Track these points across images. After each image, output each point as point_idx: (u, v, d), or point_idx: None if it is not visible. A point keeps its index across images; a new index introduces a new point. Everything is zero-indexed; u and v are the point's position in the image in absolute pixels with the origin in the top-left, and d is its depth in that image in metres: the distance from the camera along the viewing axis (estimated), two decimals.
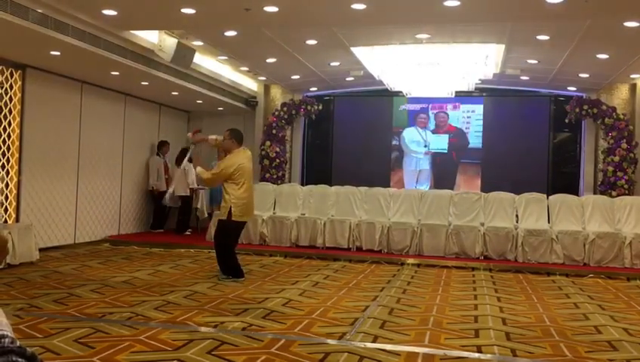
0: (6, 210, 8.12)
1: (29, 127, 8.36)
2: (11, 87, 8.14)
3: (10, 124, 8.16)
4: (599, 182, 10.85)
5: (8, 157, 8.15)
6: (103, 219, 10.17)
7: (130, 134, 10.78)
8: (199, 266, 7.88)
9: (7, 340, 0.77)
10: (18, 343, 0.78)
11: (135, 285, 6.40)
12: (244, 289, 6.39)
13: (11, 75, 8.13)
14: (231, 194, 6.73)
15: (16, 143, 8.24)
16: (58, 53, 7.43)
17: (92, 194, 9.83)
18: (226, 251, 6.92)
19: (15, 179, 8.24)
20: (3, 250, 0.89)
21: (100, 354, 3.89)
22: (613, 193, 10.30)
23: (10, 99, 8.15)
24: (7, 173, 8.13)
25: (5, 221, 7.95)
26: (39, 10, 6.29)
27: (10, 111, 8.15)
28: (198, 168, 7.06)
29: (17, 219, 8.21)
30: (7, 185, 8.14)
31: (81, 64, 8.15)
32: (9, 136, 8.15)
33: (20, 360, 0.76)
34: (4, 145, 8.05)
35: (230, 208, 6.73)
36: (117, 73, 8.66)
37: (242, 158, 6.91)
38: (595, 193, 10.60)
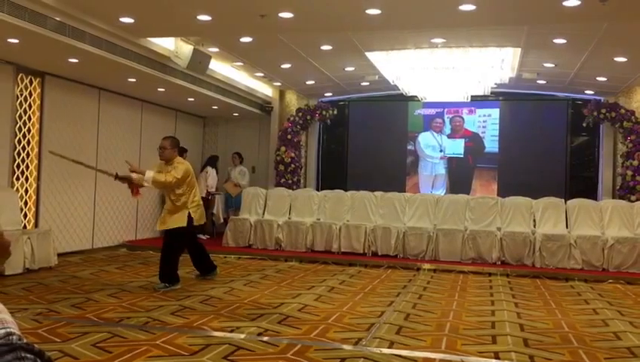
0: (25, 215, 8.22)
1: (47, 133, 8.47)
2: (30, 94, 8.26)
3: (29, 130, 8.27)
4: (618, 187, 10.72)
5: (27, 164, 8.25)
6: (120, 224, 10.25)
7: (147, 140, 10.86)
8: None
9: (14, 337, 0.78)
10: (25, 340, 0.79)
11: (152, 290, 6.44)
12: (260, 294, 6.40)
13: (30, 82, 8.24)
14: (189, 200, 6.59)
15: (36, 150, 8.35)
16: (76, 60, 7.53)
17: (109, 200, 9.92)
18: (176, 257, 6.69)
19: (34, 185, 8.34)
20: (6, 251, 0.90)
21: (118, 358, 3.92)
22: (633, 197, 10.17)
23: (30, 106, 8.26)
24: (27, 179, 8.24)
25: (24, 226, 8.05)
26: (57, 18, 6.37)
27: (29, 118, 8.26)
28: (150, 173, 6.44)
29: (36, 225, 8.31)
30: (26, 191, 8.24)
31: (99, 71, 8.24)
32: (28, 143, 8.26)
33: (28, 355, 0.77)
34: (23, 152, 8.16)
35: (189, 213, 6.58)
36: (134, 80, 8.75)
37: (189, 165, 6.77)
38: (613, 197, 10.48)
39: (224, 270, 7.86)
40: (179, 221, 6.59)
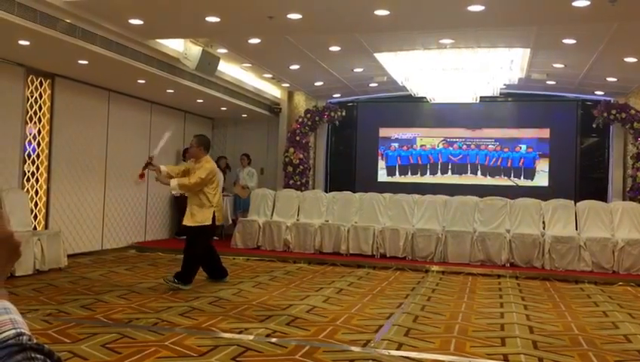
0: (35, 216, 8.27)
1: (57, 135, 8.53)
2: (41, 95, 8.32)
3: (39, 132, 8.33)
4: (628, 188, 10.64)
5: (38, 165, 8.31)
6: (129, 226, 10.29)
7: (156, 141, 10.89)
8: None
9: (24, 337, 0.79)
10: (35, 341, 0.79)
11: (160, 291, 6.46)
12: (269, 295, 6.40)
13: (41, 84, 8.30)
14: (211, 200, 6.77)
15: (46, 151, 8.40)
16: (86, 62, 7.58)
17: (119, 201, 9.97)
18: (199, 258, 6.75)
19: (44, 187, 8.39)
20: (16, 252, 0.90)
21: (127, 359, 3.93)
22: None
23: (40, 107, 8.32)
24: (37, 180, 8.29)
25: (35, 228, 8.10)
26: (67, 21, 6.42)
27: (39, 120, 8.32)
28: (174, 181, 6.70)
29: (46, 226, 8.36)
30: (36, 193, 8.30)
31: (109, 73, 8.29)
32: (38, 144, 8.31)
33: (38, 356, 0.77)
34: (33, 153, 8.22)
35: (214, 213, 6.76)
36: (143, 81, 8.79)
37: (215, 165, 7.03)
38: (624, 199, 10.41)
39: (233, 271, 7.86)
40: (205, 218, 6.75)
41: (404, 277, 8.08)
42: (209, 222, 6.75)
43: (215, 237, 11.20)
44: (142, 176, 6.89)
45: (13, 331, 0.79)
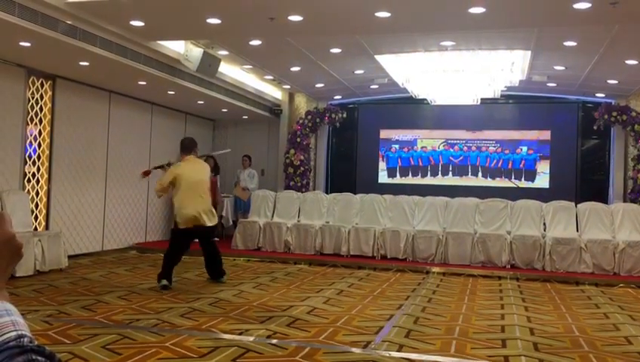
0: (36, 217, 8.27)
1: (58, 136, 8.53)
2: (42, 97, 8.32)
3: (40, 133, 8.33)
4: (629, 190, 10.64)
5: (38, 166, 8.31)
6: (130, 227, 10.30)
7: (156, 143, 10.92)
8: None
9: (25, 339, 0.79)
10: (36, 342, 0.79)
11: (161, 292, 6.46)
12: (269, 296, 6.40)
13: (42, 85, 8.30)
14: (174, 203, 6.88)
15: (46, 152, 8.41)
16: (87, 63, 7.58)
17: (119, 202, 9.97)
18: (166, 257, 6.83)
19: (45, 188, 8.40)
20: (18, 253, 0.90)
21: (127, 360, 3.93)
22: None
23: (41, 108, 8.33)
24: (38, 181, 8.30)
25: (35, 228, 8.10)
26: (68, 22, 6.42)
27: (40, 121, 8.32)
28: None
29: (47, 227, 8.36)
30: (37, 194, 8.30)
31: (109, 74, 8.29)
32: (39, 146, 8.32)
33: (39, 358, 0.77)
34: (34, 154, 8.22)
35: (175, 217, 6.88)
36: (144, 83, 8.80)
37: (183, 168, 6.88)
38: (624, 201, 10.41)
39: (233, 272, 7.86)
40: (174, 222, 7.00)
41: (404, 279, 8.07)
42: (172, 226, 6.88)
43: (216, 238, 11.26)
44: (147, 173, 7.07)
45: (15, 333, 0.79)
